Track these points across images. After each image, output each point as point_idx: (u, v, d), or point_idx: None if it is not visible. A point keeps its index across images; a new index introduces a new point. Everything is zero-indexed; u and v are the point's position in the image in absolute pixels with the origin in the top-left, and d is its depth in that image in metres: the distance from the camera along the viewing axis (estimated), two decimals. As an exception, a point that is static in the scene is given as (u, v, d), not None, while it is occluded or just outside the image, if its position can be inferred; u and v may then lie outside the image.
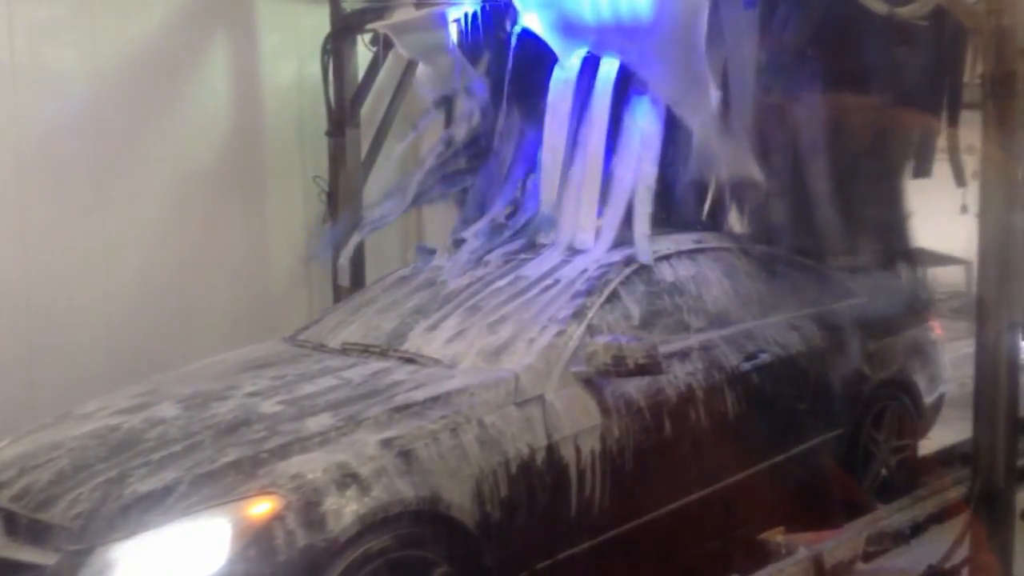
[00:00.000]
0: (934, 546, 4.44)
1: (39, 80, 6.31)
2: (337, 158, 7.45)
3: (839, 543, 4.43)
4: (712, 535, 4.73)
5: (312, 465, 3.50)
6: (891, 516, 4.77)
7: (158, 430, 3.88)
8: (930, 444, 6.15)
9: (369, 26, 7.18)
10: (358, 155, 7.54)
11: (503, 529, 3.86)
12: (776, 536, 4.46)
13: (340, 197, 7.43)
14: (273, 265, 7.56)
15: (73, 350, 6.42)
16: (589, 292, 4.59)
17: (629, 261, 4.86)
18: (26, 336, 6.27)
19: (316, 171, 7.60)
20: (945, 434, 6.28)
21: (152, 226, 6.85)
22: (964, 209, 10.64)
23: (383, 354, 4.55)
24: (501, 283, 4.84)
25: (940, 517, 4.76)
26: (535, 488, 3.97)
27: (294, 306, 7.38)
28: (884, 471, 5.60)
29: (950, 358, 6.26)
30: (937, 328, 6.11)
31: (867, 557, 4.45)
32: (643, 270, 4.84)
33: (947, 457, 5.90)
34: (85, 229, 6.53)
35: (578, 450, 4.11)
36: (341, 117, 7.42)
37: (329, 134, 7.49)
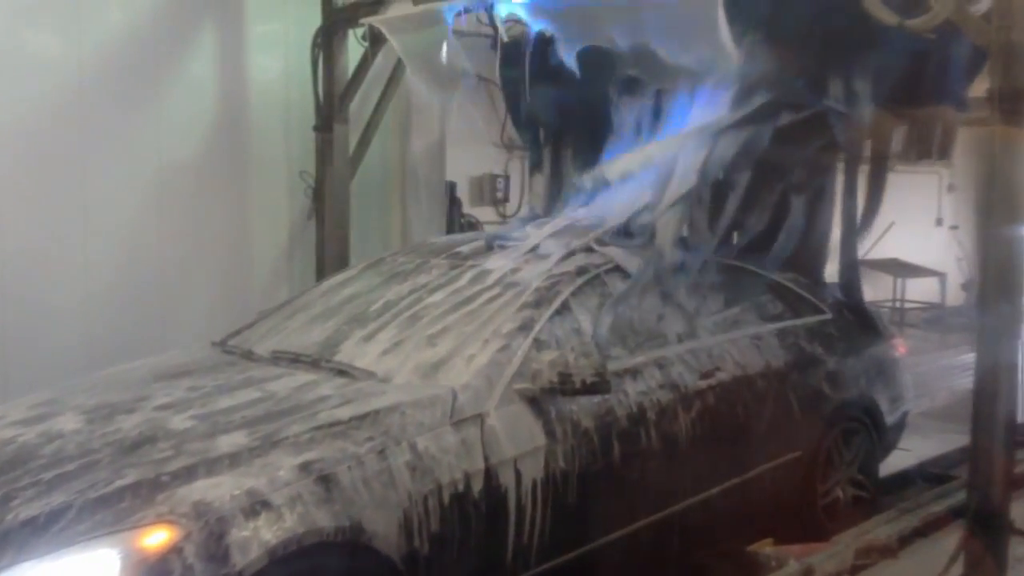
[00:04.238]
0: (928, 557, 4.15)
1: (21, 67, 5.81)
2: (324, 154, 6.99)
3: (829, 555, 4.13)
4: (662, 563, 4.20)
5: (218, 491, 2.96)
6: (879, 529, 4.43)
7: (54, 445, 3.32)
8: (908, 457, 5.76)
9: (362, 20, 6.65)
10: (345, 151, 7.08)
11: (432, 563, 3.30)
12: (765, 548, 4.16)
13: (326, 193, 6.96)
14: (255, 260, 7.01)
15: (50, 343, 5.91)
16: (537, 304, 3.99)
17: (581, 271, 4.28)
18: (0, 327, 5.76)
19: (302, 166, 7.09)
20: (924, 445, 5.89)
21: (133, 218, 6.34)
22: (939, 222, 10.25)
23: (314, 364, 3.96)
24: (444, 292, 4.22)
25: (928, 531, 4.45)
26: (470, 518, 3.41)
27: (275, 302, 6.81)
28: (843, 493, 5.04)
29: (925, 370, 5.76)
30: (901, 347, 5.52)
31: (854, 570, 4.13)
32: (596, 281, 4.26)
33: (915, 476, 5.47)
34: (65, 220, 6.02)
35: (518, 475, 3.55)
36: (329, 112, 6.96)
37: (317, 129, 7.00)
